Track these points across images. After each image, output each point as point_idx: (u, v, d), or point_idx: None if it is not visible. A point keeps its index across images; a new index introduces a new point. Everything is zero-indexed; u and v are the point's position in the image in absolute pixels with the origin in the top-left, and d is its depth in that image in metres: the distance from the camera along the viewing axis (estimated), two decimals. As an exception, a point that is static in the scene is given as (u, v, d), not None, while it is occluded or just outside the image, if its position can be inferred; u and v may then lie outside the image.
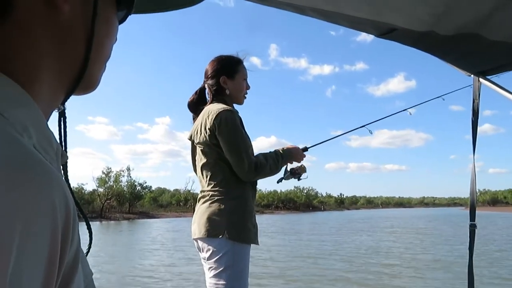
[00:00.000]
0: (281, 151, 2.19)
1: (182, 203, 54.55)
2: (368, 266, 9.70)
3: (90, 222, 0.55)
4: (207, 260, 1.95)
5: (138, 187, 45.93)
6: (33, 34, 0.41)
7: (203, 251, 1.99)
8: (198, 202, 2.10)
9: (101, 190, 42.44)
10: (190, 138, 2.17)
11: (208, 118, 2.01)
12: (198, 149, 2.10)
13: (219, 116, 1.98)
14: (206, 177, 2.06)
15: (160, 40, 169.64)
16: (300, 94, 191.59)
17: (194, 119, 2.23)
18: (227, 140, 1.98)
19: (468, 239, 2.19)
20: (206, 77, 2.17)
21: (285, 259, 10.90)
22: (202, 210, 2.01)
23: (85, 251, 0.48)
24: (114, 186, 42.75)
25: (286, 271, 9.06)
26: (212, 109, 2.03)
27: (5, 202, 0.27)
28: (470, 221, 2.17)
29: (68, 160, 0.49)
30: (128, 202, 43.51)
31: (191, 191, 55.05)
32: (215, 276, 1.90)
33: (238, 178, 2.03)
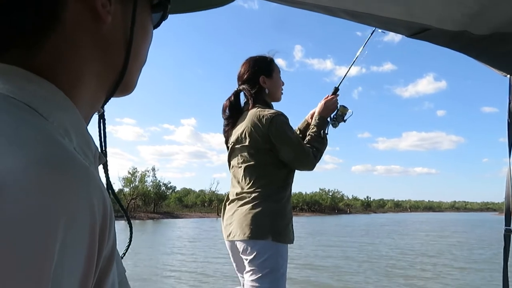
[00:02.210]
0: (315, 123, 2.21)
1: (207, 203, 55.02)
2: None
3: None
4: (250, 262, 1.91)
5: (163, 187, 46.59)
6: (78, 44, 0.43)
7: (244, 253, 1.95)
8: (232, 203, 2.07)
9: (126, 190, 43.33)
10: (234, 141, 2.11)
11: (261, 123, 1.98)
12: (242, 152, 2.06)
13: (274, 121, 1.98)
14: (249, 179, 2.02)
15: (185, 41, 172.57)
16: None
17: (229, 124, 2.19)
18: (287, 142, 1.99)
19: (503, 244, 2.12)
20: (242, 80, 2.15)
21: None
22: (242, 212, 1.96)
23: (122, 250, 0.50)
24: (139, 186, 43.54)
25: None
26: (262, 113, 2.01)
27: (48, 200, 0.29)
28: (505, 226, 2.10)
29: (107, 161, 0.51)
30: (153, 202, 44.19)
31: (215, 192, 55.45)
32: (258, 278, 1.88)
33: (283, 181, 2.03)
